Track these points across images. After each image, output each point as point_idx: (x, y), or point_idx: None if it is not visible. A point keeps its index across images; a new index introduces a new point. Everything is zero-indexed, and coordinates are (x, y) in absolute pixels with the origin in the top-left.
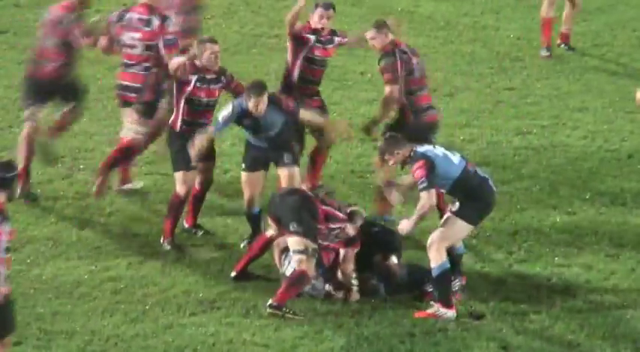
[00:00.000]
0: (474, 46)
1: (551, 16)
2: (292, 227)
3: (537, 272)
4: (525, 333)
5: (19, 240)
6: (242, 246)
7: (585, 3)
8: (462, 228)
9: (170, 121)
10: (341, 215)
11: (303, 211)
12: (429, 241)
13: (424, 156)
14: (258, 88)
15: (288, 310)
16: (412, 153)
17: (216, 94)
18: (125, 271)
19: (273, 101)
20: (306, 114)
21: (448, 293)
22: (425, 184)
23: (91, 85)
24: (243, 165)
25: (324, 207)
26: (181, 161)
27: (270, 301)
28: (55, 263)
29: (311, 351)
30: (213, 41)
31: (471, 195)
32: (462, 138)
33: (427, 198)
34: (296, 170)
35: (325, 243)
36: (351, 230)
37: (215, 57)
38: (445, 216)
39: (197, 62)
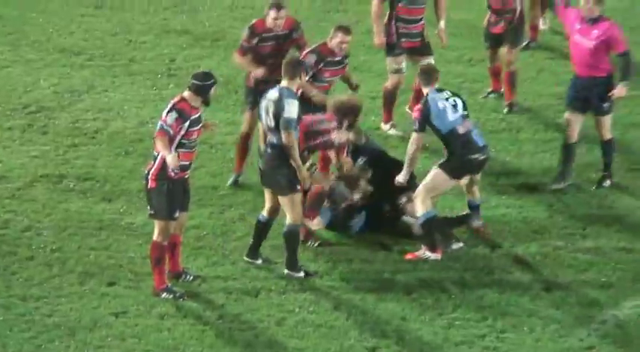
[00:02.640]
0: None
1: None
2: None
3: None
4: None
5: (114, 193)
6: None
7: None
8: (443, 180)
9: None
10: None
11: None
12: (416, 193)
13: (426, 102)
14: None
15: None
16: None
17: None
18: (207, 220)
19: None
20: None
21: (433, 238)
22: (416, 126)
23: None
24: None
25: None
26: None
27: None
28: (144, 212)
29: (379, 292)
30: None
31: (453, 153)
32: None
33: (414, 141)
34: None
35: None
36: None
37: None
38: (431, 169)
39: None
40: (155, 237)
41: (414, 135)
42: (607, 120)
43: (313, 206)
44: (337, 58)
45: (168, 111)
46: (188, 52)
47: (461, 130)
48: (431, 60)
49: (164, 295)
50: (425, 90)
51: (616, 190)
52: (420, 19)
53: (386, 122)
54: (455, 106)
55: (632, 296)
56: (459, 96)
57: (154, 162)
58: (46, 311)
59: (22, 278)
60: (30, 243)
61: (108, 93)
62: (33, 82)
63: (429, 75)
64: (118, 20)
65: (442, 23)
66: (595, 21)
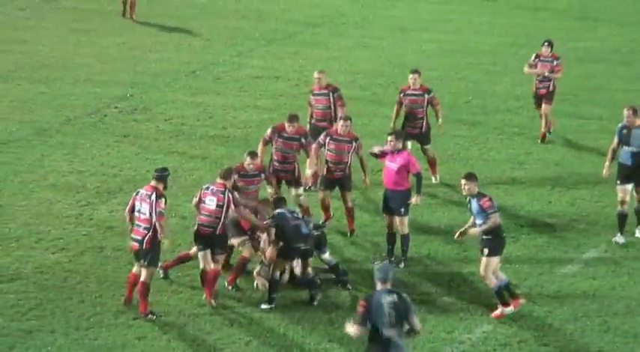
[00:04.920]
0: None
1: None
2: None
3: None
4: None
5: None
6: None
7: None
8: (495, 261)
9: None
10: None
11: (231, 225)
12: (482, 274)
13: (488, 196)
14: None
15: (235, 288)
16: (478, 192)
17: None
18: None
19: None
20: None
21: (504, 298)
22: (493, 210)
23: None
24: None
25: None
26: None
27: (225, 284)
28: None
29: (310, 320)
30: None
31: (497, 234)
32: None
33: (496, 218)
34: None
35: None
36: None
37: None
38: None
39: None
40: (145, 279)
41: (494, 215)
42: (405, 220)
43: (238, 271)
44: (251, 173)
45: (158, 199)
46: (185, 166)
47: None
48: (300, 191)
49: (149, 316)
50: (477, 188)
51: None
52: (293, 161)
53: None
54: None
55: (481, 325)
56: None
57: (147, 232)
58: (92, 336)
59: (76, 315)
60: (81, 292)
61: (132, 193)
62: (83, 185)
63: (475, 177)
64: (139, 145)
65: (309, 172)
66: (398, 151)
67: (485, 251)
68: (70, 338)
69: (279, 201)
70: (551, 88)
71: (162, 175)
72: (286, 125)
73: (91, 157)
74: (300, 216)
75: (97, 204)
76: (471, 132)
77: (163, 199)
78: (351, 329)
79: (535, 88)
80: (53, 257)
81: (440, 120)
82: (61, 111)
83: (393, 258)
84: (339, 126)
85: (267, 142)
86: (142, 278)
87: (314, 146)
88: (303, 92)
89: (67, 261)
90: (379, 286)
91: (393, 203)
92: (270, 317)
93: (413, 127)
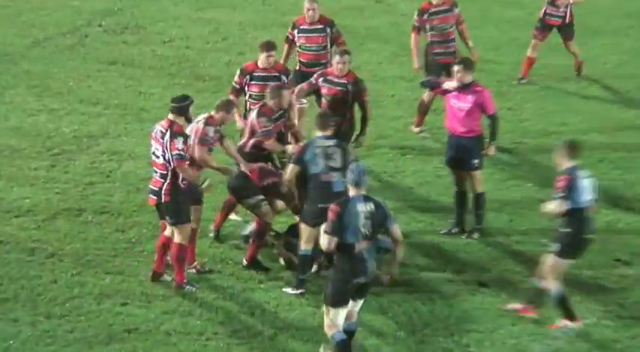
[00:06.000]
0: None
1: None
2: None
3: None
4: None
5: (127, 224)
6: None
7: None
8: (562, 265)
9: None
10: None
11: (238, 181)
12: (545, 272)
13: (572, 173)
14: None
15: (257, 268)
16: (567, 168)
17: None
18: (208, 249)
19: None
20: None
21: (570, 310)
22: (561, 194)
23: None
24: None
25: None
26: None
27: (244, 261)
28: (153, 241)
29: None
30: None
31: (575, 230)
32: None
33: (558, 206)
34: None
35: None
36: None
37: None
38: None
39: None
40: (179, 240)
41: (559, 202)
42: (478, 175)
43: (257, 242)
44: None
45: (173, 137)
46: None
47: (590, 212)
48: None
49: (187, 288)
50: (568, 164)
51: None
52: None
53: None
54: (591, 188)
55: (580, 315)
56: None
57: (164, 181)
58: (68, 327)
59: (47, 299)
60: (53, 268)
61: (121, 137)
62: (56, 128)
63: (573, 149)
64: (130, 75)
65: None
66: (468, 86)
67: (556, 246)
68: (38, 329)
69: (325, 120)
70: (567, 18)
71: (181, 105)
72: (262, 57)
73: (67, 91)
74: (338, 164)
75: (74, 153)
76: (567, 61)
77: (181, 138)
78: (322, 240)
79: (543, 14)
80: (16, 222)
81: (470, 42)
82: (28, 31)
83: (463, 226)
84: (334, 63)
85: (239, 91)
86: (175, 239)
87: (299, 88)
88: (343, 5)
89: (34, 227)
90: (352, 192)
91: (464, 153)
92: (301, 304)
93: (445, 55)
